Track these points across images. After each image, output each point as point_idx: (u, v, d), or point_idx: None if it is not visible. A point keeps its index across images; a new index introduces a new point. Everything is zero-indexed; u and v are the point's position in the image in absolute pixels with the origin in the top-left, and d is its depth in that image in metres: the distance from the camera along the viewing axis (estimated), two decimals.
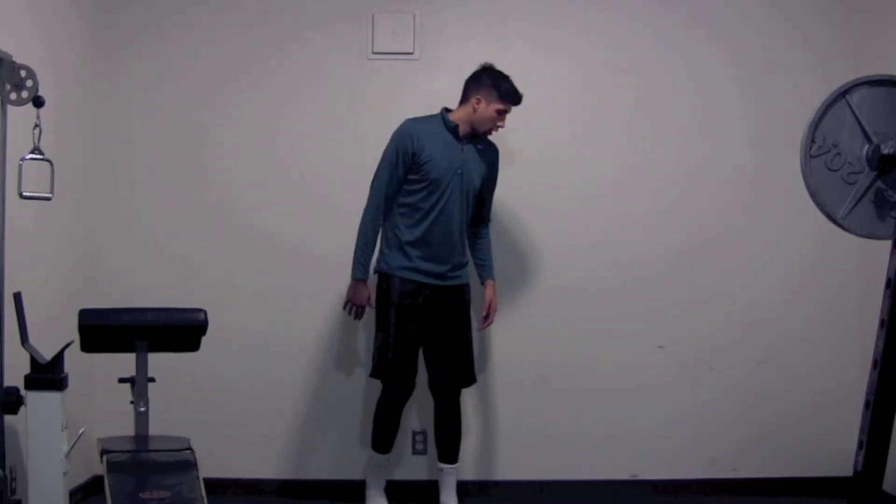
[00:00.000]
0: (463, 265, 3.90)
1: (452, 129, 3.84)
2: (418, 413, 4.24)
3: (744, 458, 4.32)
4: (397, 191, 3.79)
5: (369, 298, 3.85)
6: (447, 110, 3.89)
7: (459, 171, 3.82)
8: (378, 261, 3.86)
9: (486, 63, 3.88)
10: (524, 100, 4.01)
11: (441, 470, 3.94)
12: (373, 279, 3.89)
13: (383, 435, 3.88)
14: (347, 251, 4.09)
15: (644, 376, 4.32)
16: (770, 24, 4.38)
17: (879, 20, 4.21)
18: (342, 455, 4.21)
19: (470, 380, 3.94)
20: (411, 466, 4.27)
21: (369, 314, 3.91)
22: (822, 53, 4.35)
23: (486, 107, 3.80)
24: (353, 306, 3.86)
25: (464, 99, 3.87)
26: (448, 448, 3.94)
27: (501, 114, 3.83)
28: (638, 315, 4.33)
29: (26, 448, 3.01)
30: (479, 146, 3.92)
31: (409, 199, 3.78)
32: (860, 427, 3.20)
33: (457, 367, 3.87)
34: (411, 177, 3.77)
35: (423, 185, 3.77)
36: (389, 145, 3.81)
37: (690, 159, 4.35)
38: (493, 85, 3.81)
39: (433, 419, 3.98)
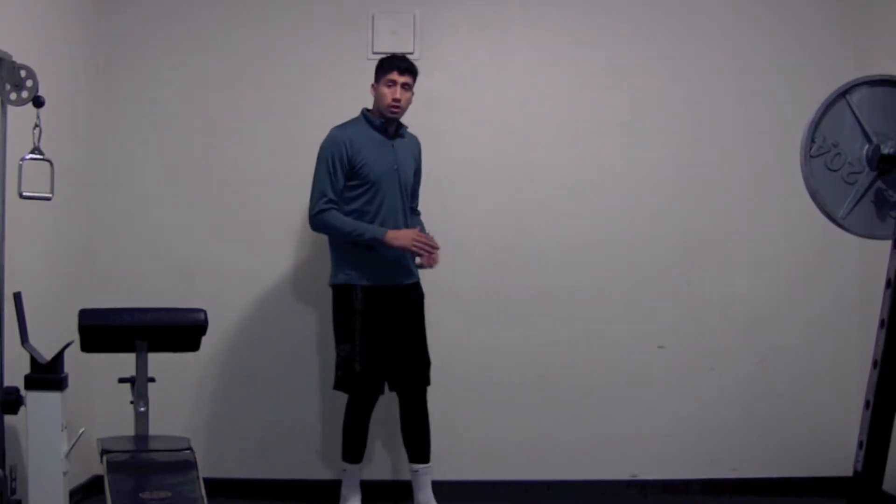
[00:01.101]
0: (413, 262, 3.86)
1: (379, 126, 3.82)
2: None
3: (744, 458, 4.32)
4: (339, 200, 3.73)
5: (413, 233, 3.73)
6: (367, 111, 3.86)
7: (395, 167, 3.81)
8: (332, 272, 3.79)
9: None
10: (524, 99, 4.02)
11: (416, 471, 3.86)
12: (327, 292, 3.82)
13: (356, 444, 3.84)
14: None
15: (644, 376, 4.32)
16: (770, 25, 4.38)
17: (879, 20, 4.21)
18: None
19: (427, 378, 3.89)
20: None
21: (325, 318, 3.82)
22: (822, 53, 4.35)
23: (379, 86, 3.80)
24: (416, 245, 3.71)
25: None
26: (421, 447, 3.86)
27: (391, 84, 3.78)
28: (638, 315, 4.33)
29: (26, 448, 3.01)
30: (406, 139, 3.91)
31: (354, 206, 3.73)
32: (860, 427, 3.20)
33: (419, 364, 3.84)
34: (350, 183, 3.73)
35: (364, 188, 3.74)
36: (322, 155, 3.74)
37: (691, 158, 4.35)
38: (376, 68, 3.83)
39: (400, 420, 3.88)
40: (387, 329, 3.76)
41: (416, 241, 3.72)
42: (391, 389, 3.85)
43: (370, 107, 3.86)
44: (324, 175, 3.72)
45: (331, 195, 3.70)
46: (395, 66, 3.79)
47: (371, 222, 3.73)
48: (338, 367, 3.79)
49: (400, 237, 3.70)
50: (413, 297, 3.86)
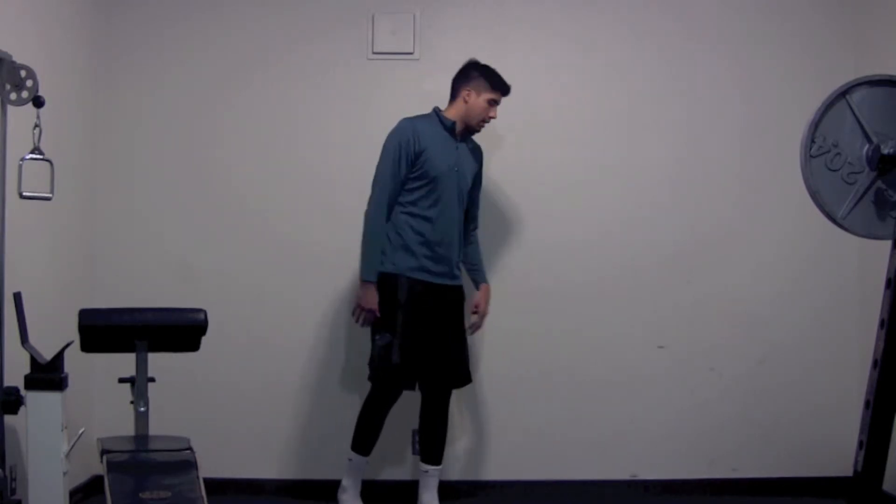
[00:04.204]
0: (459, 266, 3.90)
1: (449, 127, 3.84)
2: (418, 413, 4.24)
3: (744, 458, 4.33)
4: (400, 190, 3.77)
5: (378, 303, 3.75)
6: (439, 109, 3.88)
7: (456, 169, 3.82)
8: (385, 261, 3.78)
9: (470, 59, 3.88)
10: (524, 99, 4.02)
11: (426, 472, 3.87)
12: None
13: (370, 437, 3.84)
14: (347, 251, 4.10)
15: (644, 376, 4.32)
16: (770, 25, 4.38)
17: (879, 20, 4.21)
18: (342, 455, 4.19)
19: (467, 379, 3.93)
20: (411, 466, 4.27)
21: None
22: (822, 53, 4.35)
23: (476, 98, 3.81)
24: (362, 311, 3.74)
25: (453, 96, 3.87)
26: (436, 449, 3.89)
27: (493, 104, 3.83)
28: (638, 315, 4.33)
29: (26, 448, 3.01)
30: (470, 146, 3.93)
31: (411, 198, 3.76)
32: (860, 427, 3.20)
33: (455, 366, 3.86)
34: (412, 175, 3.76)
35: (423, 182, 3.76)
36: (390, 144, 3.77)
37: (691, 158, 4.36)
38: (482, 76, 3.82)
39: (420, 418, 3.92)
40: (427, 326, 3.76)
41: (362, 311, 3.72)
42: (419, 386, 3.86)
43: (442, 107, 3.86)
44: (388, 164, 3.74)
45: (389, 194, 3.72)
46: (505, 90, 3.83)
47: (427, 219, 3.75)
48: (375, 357, 3.77)
49: (367, 300, 3.71)
50: (457, 299, 3.88)
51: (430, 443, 3.89)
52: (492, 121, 3.89)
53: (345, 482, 3.88)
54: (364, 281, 3.73)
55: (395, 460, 4.27)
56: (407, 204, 3.77)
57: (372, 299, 3.72)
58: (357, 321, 3.78)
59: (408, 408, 4.03)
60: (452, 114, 3.86)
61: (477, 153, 3.98)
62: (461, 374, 3.90)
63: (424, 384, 3.86)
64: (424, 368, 3.82)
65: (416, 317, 3.75)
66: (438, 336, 3.80)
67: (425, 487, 3.88)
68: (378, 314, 3.72)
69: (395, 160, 3.74)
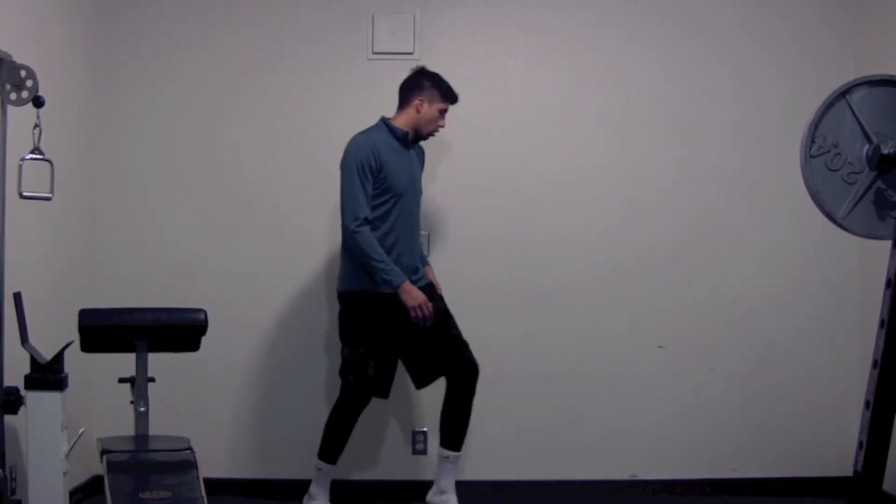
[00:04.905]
0: (420, 265, 3.90)
1: (402, 136, 3.81)
2: (418, 413, 4.25)
3: (744, 458, 4.33)
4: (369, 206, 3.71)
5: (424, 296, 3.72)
6: (387, 119, 3.85)
7: (413, 178, 3.83)
8: (347, 278, 3.77)
9: (418, 66, 3.88)
10: (524, 99, 4.01)
11: (446, 457, 3.84)
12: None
13: (339, 445, 3.83)
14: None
15: (644, 376, 4.32)
16: (770, 25, 4.38)
17: (879, 20, 4.21)
18: (342, 455, 4.20)
19: (473, 365, 3.89)
20: (411, 466, 4.27)
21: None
22: (822, 53, 4.35)
23: (429, 108, 3.80)
24: (417, 310, 3.68)
25: (403, 104, 3.84)
26: (454, 433, 3.84)
27: (443, 113, 3.83)
28: (637, 315, 4.33)
29: (26, 448, 3.01)
30: (416, 150, 3.92)
31: (376, 213, 3.71)
32: (860, 427, 3.20)
33: (465, 348, 3.85)
34: (374, 191, 3.71)
35: (386, 197, 3.73)
36: (351, 163, 3.70)
37: (690, 158, 4.36)
38: (433, 85, 3.81)
39: (445, 404, 3.86)
40: (406, 333, 3.75)
41: (423, 307, 3.69)
42: (441, 375, 3.86)
43: (387, 115, 3.85)
44: (356, 185, 3.67)
45: (365, 212, 3.67)
46: (455, 100, 3.83)
47: (391, 231, 3.72)
48: (350, 370, 3.78)
49: (415, 296, 3.68)
50: (432, 294, 3.86)
51: (456, 427, 3.85)
52: (441, 129, 3.87)
53: (314, 490, 3.86)
54: (398, 289, 3.67)
55: (395, 460, 4.27)
56: (375, 220, 3.71)
57: (416, 296, 3.68)
58: (423, 321, 3.71)
59: (408, 408, 4.04)
60: (403, 122, 3.83)
61: (421, 156, 3.98)
62: (466, 359, 3.86)
63: (450, 371, 3.84)
64: (440, 361, 3.82)
65: (391, 328, 3.74)
66: (428, 334, 3.78)
67: (443, 473, 3.85)
68: (430, 307, 3.70)
69: (359, 178, 3.68)
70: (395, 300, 3.70)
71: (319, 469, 3.85)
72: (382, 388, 3.82)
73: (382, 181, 3.72)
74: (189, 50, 4.30)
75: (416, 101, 3.80)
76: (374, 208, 3.72)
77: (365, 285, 3.73)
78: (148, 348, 3.43)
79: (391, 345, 3.77)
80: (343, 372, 3.82)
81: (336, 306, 4.17)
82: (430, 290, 3.87)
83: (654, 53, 4.36)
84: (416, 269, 3.85)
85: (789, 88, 4.31)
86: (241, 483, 4.22)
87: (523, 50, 4.36)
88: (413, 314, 3.68)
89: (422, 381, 3.92)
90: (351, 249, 3.72)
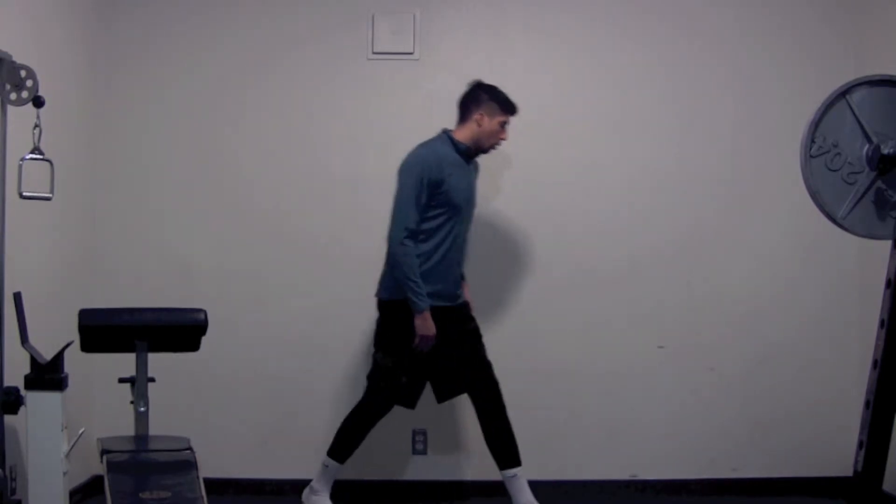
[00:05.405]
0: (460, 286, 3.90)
1: (464, 151, 3.80)
2: (418, 413, 4.24)
3: (744, 457, 4.32)
4: (421, 218, 3.70)
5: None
6: (450, 132, 3.82)
7: (470, 193, 3.83)
8: (392, 287, 3.73)
9: (475, 80, 3.85)
10: (523, 99, 3.97)
11: (513, 476, 3.78)
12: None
13: (352, 445, 3.83)
14: (347, 249, 4.16)
15: (644, 376, 4.32)
16: (770, 25, 4.38)
17: (879, 20, 4.21)
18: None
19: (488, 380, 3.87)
20: (411, 466, 4.27)
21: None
22: (822, 53, 4.35)
23: (489, 121, 3.78)
24: (422, 339, 3.69)
25: (464, 118, 3.82)
26: (507, 450, 3.79)
27: (504, 125, 3.81)
28: (637, 315, 4.33)
29: (26, 448, 3.01)
30: (472, 164, 3.90)
31: (428, 226, 3.69)
32: (860, 427, 3.20)
33: (490, 368, 3.85)
34: (431, 203, 3.69)
35: (442, 210, 3.71)
36: (411, 173, 3.67)
37: (690, 158, 4.35)
38: (492, 98, 3.79)
39: (483, 426, 3.83)
40: (442, 348, 3.74)
41: (428, 340, 3.70)
42: (463, 392, 3.86)
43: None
44: (410, 197, 3.64)
45: (413, 225, 3.64)
46: (514, 110, 3.81)
47: (441, 245, 3.71)
48: (381, 376, 3.78)
49: (428, 327, 3.68)
50: (468, 312, 3.88)
51: (509, 443, 3.81)
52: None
53: (316, 486, 3.85)
54: (418, 313, 3.67)
55: (396, 460, 4.27)
56: (423, 231, 3.70)
57: (429, 327, 3.69)
58: (420, 348, 3.72)
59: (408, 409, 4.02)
60: (464, 136, 3.80)
61: (477, 171, 3.95)
62: (490, 378, 3.86)
63: (477, 393, 3.83)
64: (466, 381, 3.82)
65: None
66: (459, 350, 3.79)
67: (517, 491, 3.78)
68: (434, 339, 3.71)
69: (417, 191, 3.65)
70: (435, 315, 3.70)
71: (326, 466, 3.84)
72: (411, 399, 3.83)
73: (442, 195, 3.69)
74: (189, 50, 4.30)
75: (476, 115, 3.78)
76: (426, 220, 3.69)
77: (402, 294, 3.71)
78: (148, 348, 3.43)
79: (425, 357, 3.76)
80: (373, 376, 3.82)
81: (335, 305, 4.18)
82: (466, 310, 3.88)
83: (654, 53, 4.36)
84: (458, 288, 3.84)
85: (789, 88, 4.31)
86: (241, 483, 4.22)
87: (523, 50, 4.36)
88: (417, 340, 3.70)
89: (443, 395, 3.91)
90: (392, 259, 3.69)
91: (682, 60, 4.36)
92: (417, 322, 3.67)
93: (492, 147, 3.85)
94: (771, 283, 4.36)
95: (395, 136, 4.23)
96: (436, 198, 3.68)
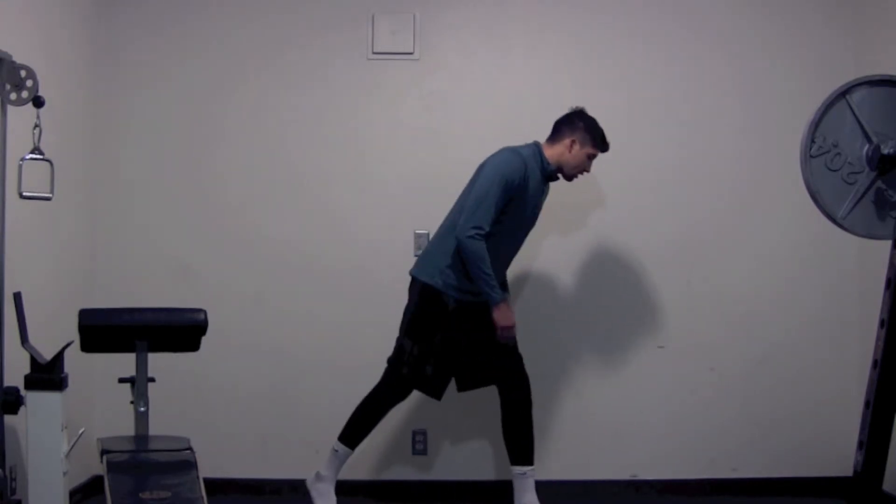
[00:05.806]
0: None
1: (549, 173, 3.81)
2: (418, 413, 4.24)
3: (744, 457, 4.32)
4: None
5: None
6: (541, 148, 3.81)
7: (536, 212, 3.84)
8: (436, 274, 3.72)
9: (578, 107, 3.85)
10: (523, 98, 4.00)
11: (523, 473, 3.76)
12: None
13: (364, 431, 3.81)
14: (347, 251, 4.17)
15: (644, 376, 4.32)
16: (770, 25, 4.38)
17: (879, 20, 4.21)
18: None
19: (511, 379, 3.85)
20: (411, 466, 4.27)
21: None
22: (822, 53, 4.35)
23: (579, 150, 3.78)
24: (504, 331, 3.68)
25: (556, 138, 3.81)
26: (520, 448, 3.77)
27: (591, 158, 3.82)
28: (637, 315, 4.33)
29: (26, 448, 3.01)
30: (547, 187, 3.90)
31: (492, 229, 3.67)
32: (860, 427, 3.21)
33: (521, 360, 3.83)
34: (504, 208, 3.69)
35: (509, 216, 3.71)
36: (499, 173, 3.65)
37: (690, 158, 4.35)
38: (587, 129, 3.79)
39: (507, 419, 3.79)
40: (470, 338, 3.74)
41: (511, 330, 3.70)
42: (490, 384, 3.83)
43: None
44: (493, 196, 3.62)
45: (487, 228, 3.62)
46: (605, 148, 3.83)
47: (498, 249, 3.70)
48: (405, 363, 3.75)
49: (508, 317, 3.68)
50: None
51: (526, 441, 3.79)
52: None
53: (324, 472, 3.81)
54: (496, 305, 3.66)
55: (396, 460, 4.27)
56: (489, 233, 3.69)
57: (509, 317, 3.68)
58: (503, 340, 3.72)
59: (408, 408, 4.03)
60: (552, 156, 3.80)
61: (547, 193, 3.94)
62: (521, 371, 3.84)
63: (507, 385, 3.81)
64: (498, 372, 3.80)
65: (458, 334, 3.74)
66: (485, 345, 3.76)
67: (522, 490, 3.76)
68: (515, 329, 3.72)
69: (501, 192, 3.64)
70: (469, 307, 3.69)
71: (336, 451, 3.81)
72: (437, 390, 3.82)
73: (512, 204, 3.69)
74: (188, 49, 4.30)
75: (568, 140, 3.79)
76: (494, 223, 3.67)
77: (450, 290, 3.71)
78: (148, 348, 3.43)
79: (453, 350, 3.75)
80: (395, 362, 3.78)
81: (333, 304, 4.17)
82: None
83: (655, 53, 4.36)
84: (503, 289, 3.83)
85: (789, 88, 4.31)
86: (241, 483, 4.22)
87: (523, 50, 4.36)
88: (500, 333, 3.69)
89: (465, 385, 3.88)
90: (465, 252, 3.64)
91: (682, 61, 4.36)
92: (496, 314, 3.66)
93: (573, 177, 3.85)
94: (771, 283, 4.36)
95: (395, 136, 4.24)
96: (506, 206, 3.68)
